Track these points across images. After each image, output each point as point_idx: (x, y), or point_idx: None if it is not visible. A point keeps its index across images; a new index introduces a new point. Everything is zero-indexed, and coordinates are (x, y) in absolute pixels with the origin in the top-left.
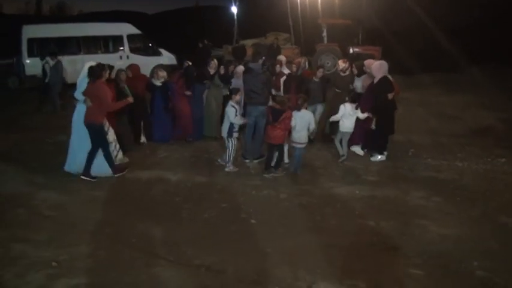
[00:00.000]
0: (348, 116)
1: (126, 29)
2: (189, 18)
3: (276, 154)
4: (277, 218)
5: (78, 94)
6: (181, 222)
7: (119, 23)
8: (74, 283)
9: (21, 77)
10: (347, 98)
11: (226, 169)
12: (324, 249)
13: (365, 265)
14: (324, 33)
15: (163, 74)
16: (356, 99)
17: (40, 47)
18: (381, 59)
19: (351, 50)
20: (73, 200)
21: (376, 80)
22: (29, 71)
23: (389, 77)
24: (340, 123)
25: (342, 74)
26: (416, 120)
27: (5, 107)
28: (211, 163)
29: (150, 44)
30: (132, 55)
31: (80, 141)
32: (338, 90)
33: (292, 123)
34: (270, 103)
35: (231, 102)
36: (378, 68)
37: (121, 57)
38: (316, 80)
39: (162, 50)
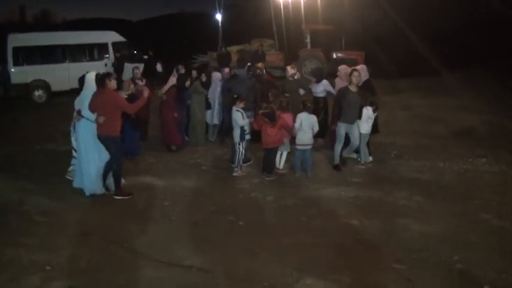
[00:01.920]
0: (367, 119)
1: (111, 36)
2: (174, 24)
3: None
4: (264, 220)
5: (87, 112)
6: (171, 226)
7: (103, 31)
8: (68, 285)
9: (7, 86)
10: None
11: (235, 173)
12: (309, 247)
13: (349, 261)
14: (308, 39)
15: (131, 86)
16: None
17: (25, 55)
18: (364, 63)
19: (335, 55)
20: (63, 205)
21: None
22: (15, 79)
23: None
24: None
25: (291, 79)
26: (399, 123)
27: None
28: (198, 168)
29: (135, 51)
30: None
31: (88, 157)
32: (287, 95)
33: (297, 124)
34: (261, 111)
35: (235, 108)
36: (364, 71)
37: (106, 65)
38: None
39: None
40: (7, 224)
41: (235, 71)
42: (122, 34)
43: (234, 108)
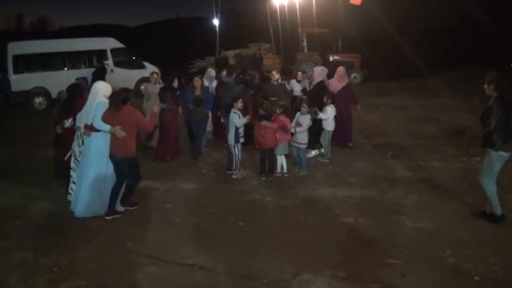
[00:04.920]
0: (332, 117)
1: (109, 43)
2: (171, 30)
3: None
4: (263, 220)
5: (99, 123)
6: (173, 227)
7: (102, 38)
8: (75, 285)
9: (7, 94)
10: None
11: (234, 176)
12: (307, 245)
13: (345, 257)
14: (304, 43)
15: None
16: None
17: (25, 63)
18: (359, 66)
19: (331, 58)
20: (66, 209)
21: (314, 83)
22: (15, 87)
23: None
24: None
25: (275, 83)
26: (395, 123)
27: None
28: (198, 171)
29: (134, 58)
30: (116, 69)
31: (102, 175)
32: (273, 98)
33: (305, 124)
34: (261, 111)
35: (233, 110)
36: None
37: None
38: None
39: (146, 63)
40: (14, 228)
41: (223, 78)
42: (120, 40)
43: (232, 110)
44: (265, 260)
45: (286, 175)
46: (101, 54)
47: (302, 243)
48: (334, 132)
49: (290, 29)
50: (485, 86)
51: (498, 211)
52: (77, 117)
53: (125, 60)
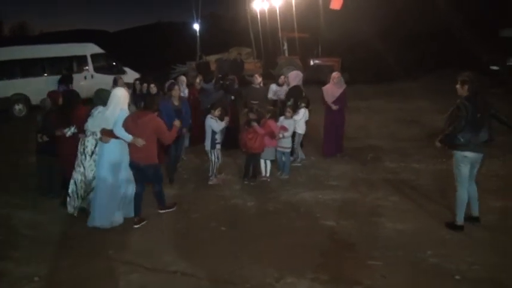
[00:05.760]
0: (304, 120)
1: (89, 48)
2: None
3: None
4: (245, 224)
5: (121, 131)
6: (155, 233)
7: (82, 43)
8: None
9: None
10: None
11: (210, 182)
12: (289, 248)
13: (327, 260)
14: (285, 47)
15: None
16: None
17: (5, 69)
18: (340, 70)
19: (312, 62)
20: (49, 218)
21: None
22: None
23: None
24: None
25: (257, 87)
26: (376, 126)
27: None
28: (180, 177)
29: (114, 63)
30: (96, 74)
31: (118, 183)
32: (254, 102)
33: (290, 130)
34: (251, 115)
35: (209, 116)
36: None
37: (85, 77)
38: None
39: (127, 69)
40: None
41: (202, 85)
42: (100, 46)
43: (209, 116)
44: (248, 265)
45: (269, 179)
46: (81, 59)
47: (284, 247)
48: (325, 142)
49: (271, 34)
50: (458, 86)
51: (459, 220)
52: (89, 123)
53: (105, 65)
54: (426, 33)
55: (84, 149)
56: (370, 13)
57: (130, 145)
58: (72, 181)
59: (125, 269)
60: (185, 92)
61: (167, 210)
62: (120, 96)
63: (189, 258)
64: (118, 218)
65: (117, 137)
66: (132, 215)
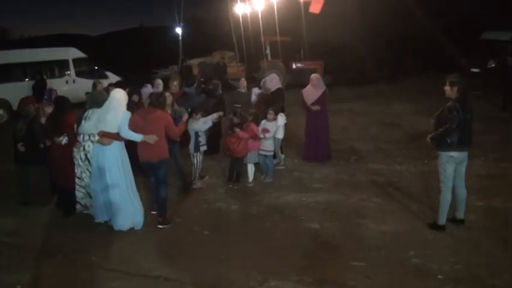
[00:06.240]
0: (283, 125)
1: (71, 53)
2: (134, 38)
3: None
4: (229, 228)
5: (129, 132)
6: (138, 239)
7: (64, 48)
8: None
9: None
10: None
11: (194, 186)
12: (273, 251)
13: (310, 262)
14: (268, 50)
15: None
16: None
17: None
18: (323, 73)
19: (294, 66)
20: (29, 225)
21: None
22: None
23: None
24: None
25: (243, 90)
26: (358, 129)
27: None
28: None
29: (96, 67)
30: (78, 79)
31: (121, 186)
32: (238, 105)
33: (272, 130)
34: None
35: (191, 120)
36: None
37: (67, 82)
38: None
39: (109, 73)
40: None
41: (184, 88)
42: (82, 50)
43: (190, 120)
44: (232, 268)
45: (252, 184)
46: (63, 64)
47: (268, 250)
48: (306, 145)
49: (253, 37)
50: (447, 87)
51: (442, 220)
52: (84, 126)
53: (86, 70)
54: (407, 36)
55: (86, 155)
56: (351, 16)
57: (140, 144)
58: (79, 189)
59: (108, 275)
60: None
61: (165, 226)
62: (120, 99)
63: (173, 263)
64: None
65: (119, 139)
66: (119, 220)
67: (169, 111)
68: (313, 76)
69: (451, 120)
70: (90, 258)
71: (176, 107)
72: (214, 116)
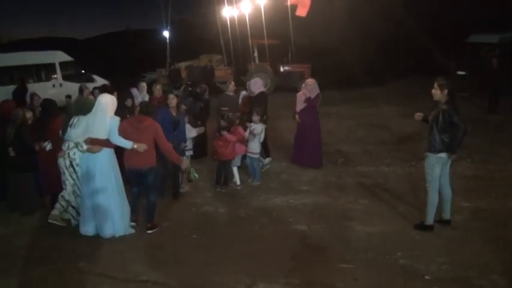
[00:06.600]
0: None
1: (58, 56)
2: (121, 42)
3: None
4: (217, 231)
5: (119, 139)
6: (125, 243)
7: (50, 51)
8: None
9: None
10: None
11: (182, 190)
12: (261, 254)
13: (298, 264)
14: (255, 53)
15: (28, 115)
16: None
17: None
18: (311, 76)
19: (282, 69)
20: (14, 231)
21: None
22: None
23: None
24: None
25: (230, 94)
26: (346, 131)
27: None
28: None
29: (83, 71)
30: (65, 83)
31: (108, 193)
32: (225, 108)
33: (257, 132)
34: (222, 122)
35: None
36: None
37: (54, 86)
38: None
39: (96, 76)
40: None
41: (173, 92)
42: (69, 53)
43: None
44: (220, 272)
45: (240, 187)
46: (49, 68)
47: (256, 253)
48: (294, 148)
49: (241, 40)
50: (436, 91)
51: (430, 220)
52: (71, 134)
53: (73, 73)
54: (394, 39)
55: (71, 162)
56: (338, 20)
57: (129, 152)
58: (64, 196)
59: (96, 280)
60: (145, 99)
61: (153, 231)
62: (106, 103)
63: (161, 267)
64: (90, 229)
65: (109, 145)
66: (107, 226)
67: (174, 113)
68: (309, 81)
69: (459, 126)
70: (77, 263)
71: (182, 108)
72: (201, 129)
